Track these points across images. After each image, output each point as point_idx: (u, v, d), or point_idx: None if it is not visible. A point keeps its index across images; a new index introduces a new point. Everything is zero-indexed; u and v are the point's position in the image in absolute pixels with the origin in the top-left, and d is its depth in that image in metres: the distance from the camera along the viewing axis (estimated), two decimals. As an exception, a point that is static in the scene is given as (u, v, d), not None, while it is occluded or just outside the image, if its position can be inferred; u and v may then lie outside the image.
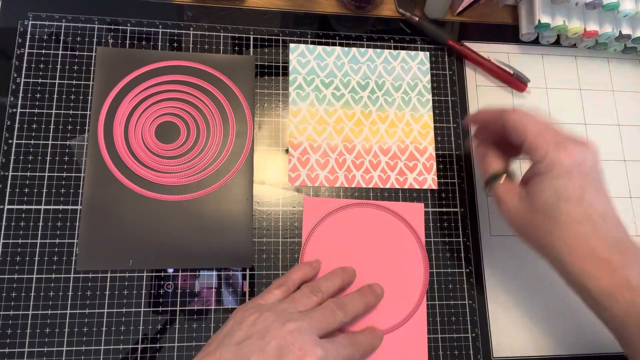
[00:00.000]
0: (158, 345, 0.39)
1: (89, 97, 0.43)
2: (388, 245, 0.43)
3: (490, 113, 0.39)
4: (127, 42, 0.46)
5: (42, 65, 0.44)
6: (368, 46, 0.49)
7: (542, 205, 0.33)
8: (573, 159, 0.33)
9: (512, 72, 0.49)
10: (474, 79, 0.50)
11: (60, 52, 0.44)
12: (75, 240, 0.40)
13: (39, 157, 0.42)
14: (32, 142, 0.42)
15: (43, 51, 0.44)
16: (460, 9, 0.50)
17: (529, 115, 0.36)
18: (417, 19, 0.49)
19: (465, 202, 0.46)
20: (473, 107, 0.49)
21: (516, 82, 0.49)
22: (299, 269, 0.40)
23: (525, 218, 0.35)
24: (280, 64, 0.47)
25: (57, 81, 0.43)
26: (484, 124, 0.41)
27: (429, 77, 0.49)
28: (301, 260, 0.42)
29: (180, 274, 0.41)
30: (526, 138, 0.35)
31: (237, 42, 0.47)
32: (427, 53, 0.50)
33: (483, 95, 0.49)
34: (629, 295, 0.30)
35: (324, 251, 0.43)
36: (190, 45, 0.46)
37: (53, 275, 0.39)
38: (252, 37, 0.48)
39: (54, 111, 0.43)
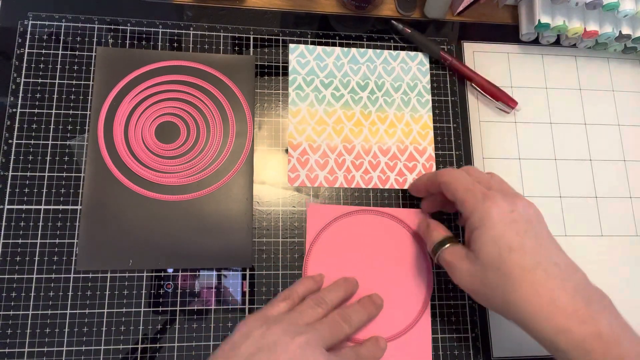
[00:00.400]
0: (158, 345, 0.39)
1: (89, 97, 0.44)
2: (392, 253, 0.43)
3: (426, 178, 0.41)
4: (127, 42, 0.46)
5: (42, 65, 0.44)
6: (368, 46, 0.49)
7: (488, 259, 0.33)
8: (500, 209, 0.33)
9: (498, 95, 0.48)
10: (474, 79, 0.50)
11: (60, 52, 0.44)
12: (75, 240, 0.40)
13: (39, 157, 0.42)
14: (32, 142, 0.42)
15: (43, 51, 0.44)
16: (460, 9, 0.50)
17: (459, 172, 0.37)
18: (409, 31, 0.49)
19: (465, 202, 0.46)
20: (473, 107, 0.49)
21: (505, 98, 0.48)
22: (303, 283, 0.40)
23: (477, 278, 0.34)
24: (280, 64, 0.47)
25: (57, 81, 0.43)
26: (424, 190, 0.42)
27: (428, 77, 0.49)
28: (305, 268, 0.42)
29: (180, 274, 0.41)
30: (456, 195, 0.36)
31: (237, 42, 0.47)
32: (427, 53, 0.50)
33: (483, 95, 0.49)
34: (601, 349, 0.29)
35: (328, 258, 0.42)
36: (190, 45, 0.46)
37: (53, 275, 0.39)
38: (252, 37, 0.48)
39: (54, 111, 0.43)
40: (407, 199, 0.45)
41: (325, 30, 0.49)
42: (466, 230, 0.36)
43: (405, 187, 0.46)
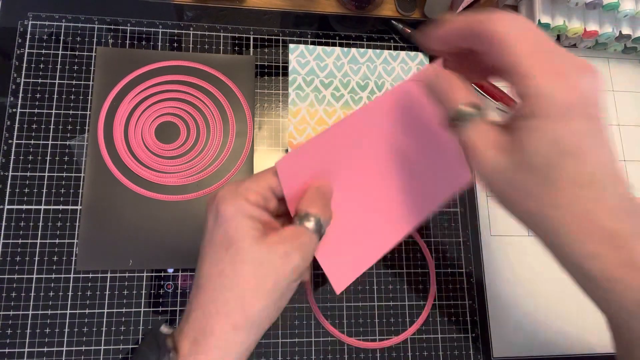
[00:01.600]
0: (158, 345, 0.39)
1: (89, 97, 0.44)
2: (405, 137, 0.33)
3: (464, 22, 0.27)
4: (127, 42, 0.46)
5: (42, 65, 0.44)
6: (368, 46, 0.49)
7: (538, 163, 0.24)
8: (578, 94, 0.24)
9: (500, 93, 0.48)
10: (474, 79, 0.50)
11: (60, 52, 0.44)
12: (75, 240, 0.40)
13: (39, 157, 0.42)
14: (32, 142, 0.42)
15: (43, 51, 0.44)
16: (460, 9, 0.50)
17: (519, 24, 0.25)
18: (409, 31, 0.49)
19: (465, 202, 0.46)
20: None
21: (505, 99, 0.48)
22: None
23: (510, 178, 0.25)
24: (280, 64, 0.47)
25: (57, 81, 0.43)
26: (455, 41, 0.28)
27: (428, 77, 0.49)
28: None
29: (180, 274, 0.41)
30: (514, 59, 0.24)
31: (237, 42, 0.47)
32: (427, 53, 0.50)
33: (483, 95, 0.49)
34: (632, 280, 0.23)
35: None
36: (190, 45, 0.46)
37: (53, 275, 0.39)
38: (252, 37, 0.48)
39: (54, 111, 0.43)
40: (407, 199, 0.45)
41: (325, 30, 0.49)
42: (514, 110, 0.26)
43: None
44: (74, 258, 0.40)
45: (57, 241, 0.40)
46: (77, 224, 0.41)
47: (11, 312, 0.38)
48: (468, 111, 0.27)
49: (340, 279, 0.33)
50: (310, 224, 0.29)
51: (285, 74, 0.47)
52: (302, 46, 0.48)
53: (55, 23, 0.45)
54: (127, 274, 0.40)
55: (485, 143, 0.26)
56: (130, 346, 0.39)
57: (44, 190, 0.41)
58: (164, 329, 0.28)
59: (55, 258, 0.40)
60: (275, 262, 0.27)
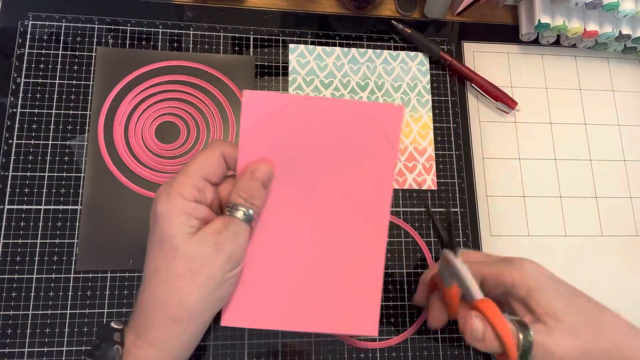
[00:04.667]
0: (158, 345, 0.39)
1: (89, 97, 0.44)
2: (346, 151, 0.33)
3: (484, 274, 0.34)
4: (127, 42, 0.46)
5: (42, 65, 0.44)
6: (368, 46, 0.49)
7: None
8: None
9: (498, 94, 0.48)
10: (473, 79, 0.50)
11: (60, 52, 0.44)
12: (75, 240, 0.40)
13: (39, 157, 0.42)
14: (32, 142, 0.42)
15: (43, 51, 0.44)
16: (460, 9, 0.50)
17: (527, 264, 0.34)
18: (409, 31, 0.49)
19: (465, 202, 0.46)
20: (473, 108, 0.49)
21: (505, 99, 0.48)
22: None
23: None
24: (280, 64, 0.47)
25: (57, 81, 0.43)
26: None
27: (428, 77, 0.49)
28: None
29: (180, 274, 0.41)
30: (541, 301, 0.32)
31: (237, 42, 0.47)
32: (427, 53, 0.50)
33: (483, 96, 0.49)
34: None
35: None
36: (190, 45, 0.46)
37: (53, 275, 0.39)
38: (252, 37, 0.48)
39: (54, 111, 0.43)
40: (406, 199, 0.45)
41: (325, 30, 0.49)
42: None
43: (405, 187, 0.46)
44: (74, 258, 0.40)
45: (57, 241, 0.40)
46: (77, 224, 0.41)
47: (11, 312, 0.38)
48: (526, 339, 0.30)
49: (234, 315, 0.32)
50: (239, 214, 0.30)
51: (285, 74, 0.47)
52: (302, 46, 0.48)
53: (55, 23, 0.45)
54: (127, 274, 0.40)
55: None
56: (130, 346, 0.39)
57: (44, 190, 0.41)
58: (114, 324, 0.30)
59: (55, 258, 0.40)
60: (206, 254, 0.28)
